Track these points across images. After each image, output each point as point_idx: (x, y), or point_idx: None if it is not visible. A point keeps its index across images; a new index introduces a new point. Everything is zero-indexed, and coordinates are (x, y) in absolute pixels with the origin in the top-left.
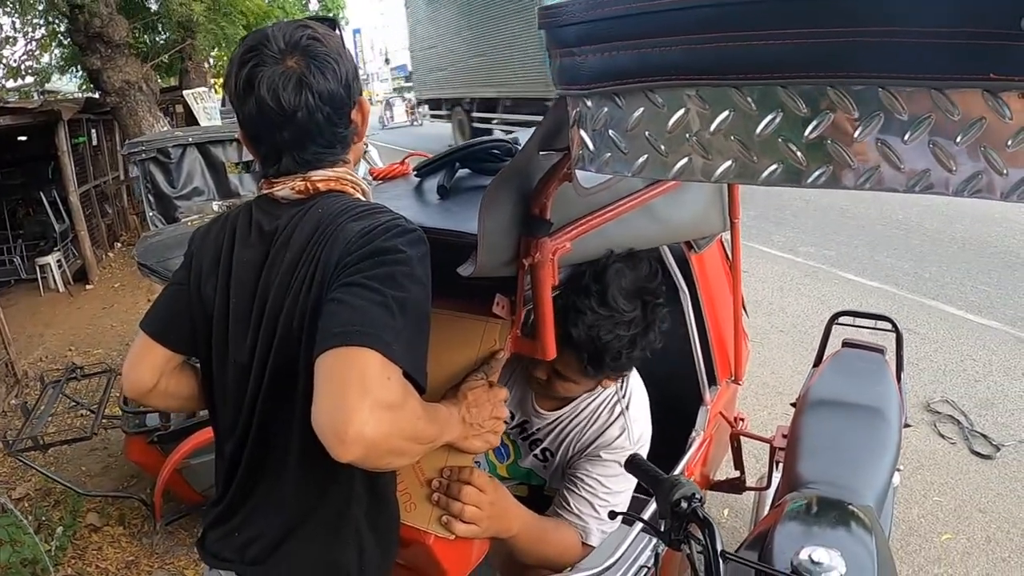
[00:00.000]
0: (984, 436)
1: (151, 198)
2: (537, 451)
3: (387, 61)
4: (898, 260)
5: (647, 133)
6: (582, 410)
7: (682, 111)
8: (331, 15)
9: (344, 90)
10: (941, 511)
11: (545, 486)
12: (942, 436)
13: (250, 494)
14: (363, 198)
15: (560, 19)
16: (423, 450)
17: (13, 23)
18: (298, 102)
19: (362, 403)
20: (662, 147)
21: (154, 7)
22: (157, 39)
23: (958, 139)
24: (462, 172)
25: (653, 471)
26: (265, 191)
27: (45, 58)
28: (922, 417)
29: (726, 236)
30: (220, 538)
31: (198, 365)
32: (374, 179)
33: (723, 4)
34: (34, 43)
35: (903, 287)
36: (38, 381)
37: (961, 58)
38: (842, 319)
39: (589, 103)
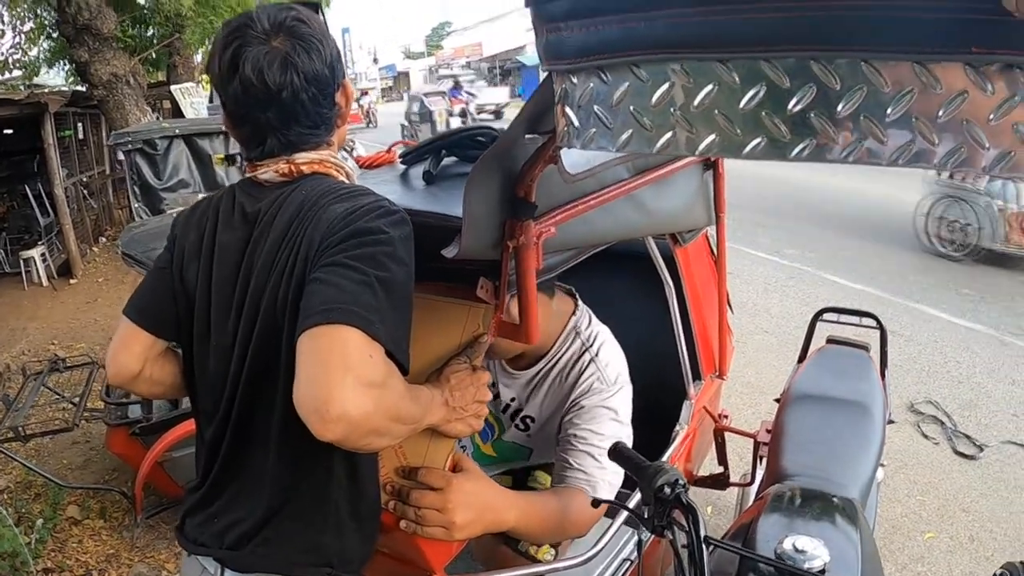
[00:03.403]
0: (967, 437)
1: (137, 189)
2: (518, 420)
3: (375, 60)
4: (883, 263)
5: (632, 107)
6: (552, 367)
7: (667, 85)
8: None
9: (329, 71)
10: (925, 510)
11: (529, 459)
12: (926, 437)
13: (231, 479)
14: (347, 180)
15: None
16: (405, 431)
17: (0, 16)
18: (284, 81)
19: (344, 380)
20: (647, 121)
21: (143, 0)
22: (146, 33)
23: (940, 113)
24: (448, 160)
25: (637, 458)
26: (249, 174)
27: (33, 51)
28: (906, 418)
29: (712, 231)
30: (199, 524)
31: (180, 351)
32: (360, 167)
33: None
34: (22, 36)
35: (887, 290)
36: (20, 374)
37: (943, 32)
38: (826, 316)
39: (575, 79)
